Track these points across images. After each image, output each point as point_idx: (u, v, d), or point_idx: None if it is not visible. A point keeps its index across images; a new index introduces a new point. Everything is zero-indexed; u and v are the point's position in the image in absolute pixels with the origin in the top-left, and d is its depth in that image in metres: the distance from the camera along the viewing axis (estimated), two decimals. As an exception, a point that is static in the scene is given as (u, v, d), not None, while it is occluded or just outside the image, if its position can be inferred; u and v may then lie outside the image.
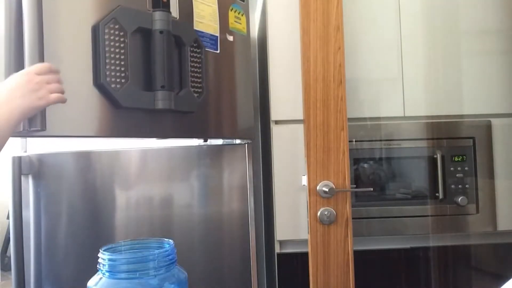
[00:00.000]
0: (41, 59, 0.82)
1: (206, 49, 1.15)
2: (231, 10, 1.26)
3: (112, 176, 1.30)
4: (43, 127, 0.82)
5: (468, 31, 1.46)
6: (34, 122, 0.80)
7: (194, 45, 1.09)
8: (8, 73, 0.79)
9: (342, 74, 1.27)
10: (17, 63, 0.82)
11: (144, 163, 1.30)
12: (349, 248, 1.26)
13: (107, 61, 0.91)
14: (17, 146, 1.28)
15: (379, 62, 1.44)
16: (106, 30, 0.92)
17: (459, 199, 1.40)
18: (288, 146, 1.39)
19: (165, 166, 1.31)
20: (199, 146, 1.32)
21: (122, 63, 0.94)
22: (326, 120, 1.27)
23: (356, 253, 1.27)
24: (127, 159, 1.30)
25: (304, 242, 1.30)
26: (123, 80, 0.94)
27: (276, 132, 1.40)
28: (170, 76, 1.00)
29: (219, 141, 1.36)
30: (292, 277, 1.40)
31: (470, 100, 1.44)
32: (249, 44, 1.33)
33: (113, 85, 0.92)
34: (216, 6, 1.20)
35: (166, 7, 1.03)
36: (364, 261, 1.36)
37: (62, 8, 0.89)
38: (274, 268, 1.44)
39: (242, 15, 1.29)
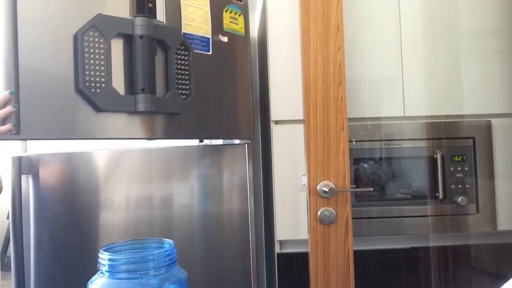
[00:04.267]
0: (16, 65, 0.90)
1: (197, 51, 1.16)
2: (226, 11, 1.26)
3: (112, 176, 1.30)
4: (17, 132, 0.87)
5: (468, 31, 1.46)
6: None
7: (181, 48, 1.12)
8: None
9: (342, 74, 1.27)
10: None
11: (144, 163, 1.30)
12: (349, 248, 1.26)
13: (87, 67, 0.96)
14: (17, 146, 1.28)
15: (379, 62, 1.44)
16: (86, 38, 0.97)
17: (459, 199, 1.40)
18: (288, 146, 1.39)
19: (165, 166, 1.31)
20: (199, 146, 1.32)
21: (102, 68, 0.98)
22: (326, 120, 1.27)
23: (356, 253, 1.27)
24: (127, 159, 1.30)
25: (304, 242, 1.30)
26: (103, 85, 0.98)
27: (276, 132, 1.40)
28: (151, 79, 1.03)
29: (219, 141, 1.36)
30: (292, 277, 1.40)
31: (470, 100, 1.44)
32: (247, 44, 1.33)
33: (92, 90, 0.97)
34: (207, 8, 1.21)
35: (152, 12, 1.07)
36: (364, 261, 1.36)
37: (47, 17, 0.95)
38: (274, 268, 1.44)
39: (239, 15, 1.29)
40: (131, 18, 1.04)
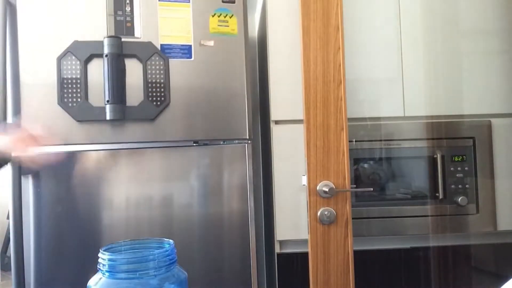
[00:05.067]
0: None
1: (176, 59, 1.28)
2: (213, 16, 1.31)
3: (112, 176, 1.30)
4: None
5: (468, 31, 1.46)
6: None
7: (155, 59, 1.26)
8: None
9: (342, 74, 1.27)
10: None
11: (144, 163, 1.31)
12: (349, 248, 1.26)
13: (64, 86, 1.21)
14: (17, 146, 1.28)
15: (379, 62, 1.44)
16: (64, 62, 1.22)
17: (459, 199, 1.40)
18: (288, 146, 1.39)
19: (165, 166, 1.31)
20: (199, 146, 1.33)
21: (78, 85, 1.22)
22: (326, 120, 1.27)
23: (356, 253, 1.27)
24: (127, 159, 1.30)
25: (304, 242, 1.30)
26: (79, 100, 1.22)
27: (276, 132, 1.40)
28: (116, 91, 1.21)
29: (219, 141, 1.36)
30: (292, 277, 1.40)
31: (470, 100, 1.44)
32: (242, 44, 1.33)
33: (70, 105, 1.21)
34: (189, 17, 1.30)
35: (130, 30, 1.27)
36: (364, 261, 1.36)
37: (44, 49, 1.23)
38: (274, 268, 1.44)
39: (230, 17, 1.31)
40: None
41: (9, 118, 1.22)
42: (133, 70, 1.27)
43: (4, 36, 1.19)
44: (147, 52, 1.26)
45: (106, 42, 1.22)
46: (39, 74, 1.22)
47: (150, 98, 1.26)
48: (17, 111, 1.21)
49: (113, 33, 1.25)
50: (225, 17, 1.31)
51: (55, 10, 1.25)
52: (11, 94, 1.22)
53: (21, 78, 1.22)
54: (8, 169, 1.25)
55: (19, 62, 1.21)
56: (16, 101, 1.22)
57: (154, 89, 1.26)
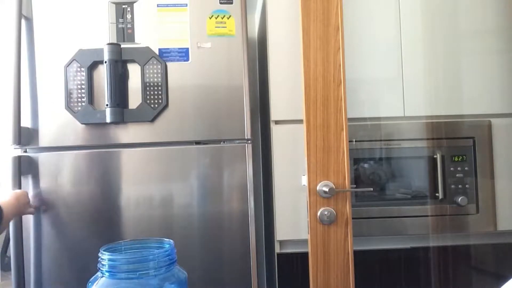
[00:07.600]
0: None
1: (174, 62, 1.32)
2: (210, 18, 1.32)
3: (112, 176, 1.30)
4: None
5: (468, 31, 1.46)
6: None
7: (153, 63, 1.30)
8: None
9: (342, 74, 1.27)
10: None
11: (144, 163, 1.31)
12: (349, 248, 1.26)
13: (70, 91, 1.29)
14: (16, 146, 1.28)
15: (379, 62, 1.44)
16: (71, 69, 1.30)
17: (459, 199, 1.40)
18: (288, 146, 1.39)
19: (165, 166, 1.31)
20: (199, 146, 1.33)
21: (82, 90, 1.29)
22: (326, 120, 1.27)
23: (356, 253, 1.27)
24: (127, 159, 1.31)
25: (304, 242, 1.30)
26: (83, 104, 1.29)
27: (276, 132, 1.40)
28: (114, 95, 1.26)
29: (219, 141, 1.36)
30: (292, 277, 1.40)
31: (470, 100, 1.44)
32: (241, 44, 1.34)
33: (75, 109, 1.29)
34: (186, 20, 1.33)
35: (131, 37, 1.32)
36: (364, 261, 1.36)
37: (55, 58, 1.31)
38: (274, 268, 1.44)
39: (228, 18, 1.32)
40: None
41: (25, 123, 1.29)
42: (134, 74, 1.30)
43: (19, 47, 1.26)
44: (145, 57, 1.30)
45: (106, 49, 1.26)
46: (52, 82, 1.30)
47: (147, 101, 1.29)
48: (34, 116, 1.30)
49: (115, 40, 1.31)
50: (222, 18, 1.33)
51: (63, 21, 1.32)
52: (30, 101, 1.30)
53: (37, 85, 1.30)
54: (8, 168, 1.25)
55: (35, 71, 1.30)
56: (34, 107, 1.30)
57: (152, 92, 1.29)
